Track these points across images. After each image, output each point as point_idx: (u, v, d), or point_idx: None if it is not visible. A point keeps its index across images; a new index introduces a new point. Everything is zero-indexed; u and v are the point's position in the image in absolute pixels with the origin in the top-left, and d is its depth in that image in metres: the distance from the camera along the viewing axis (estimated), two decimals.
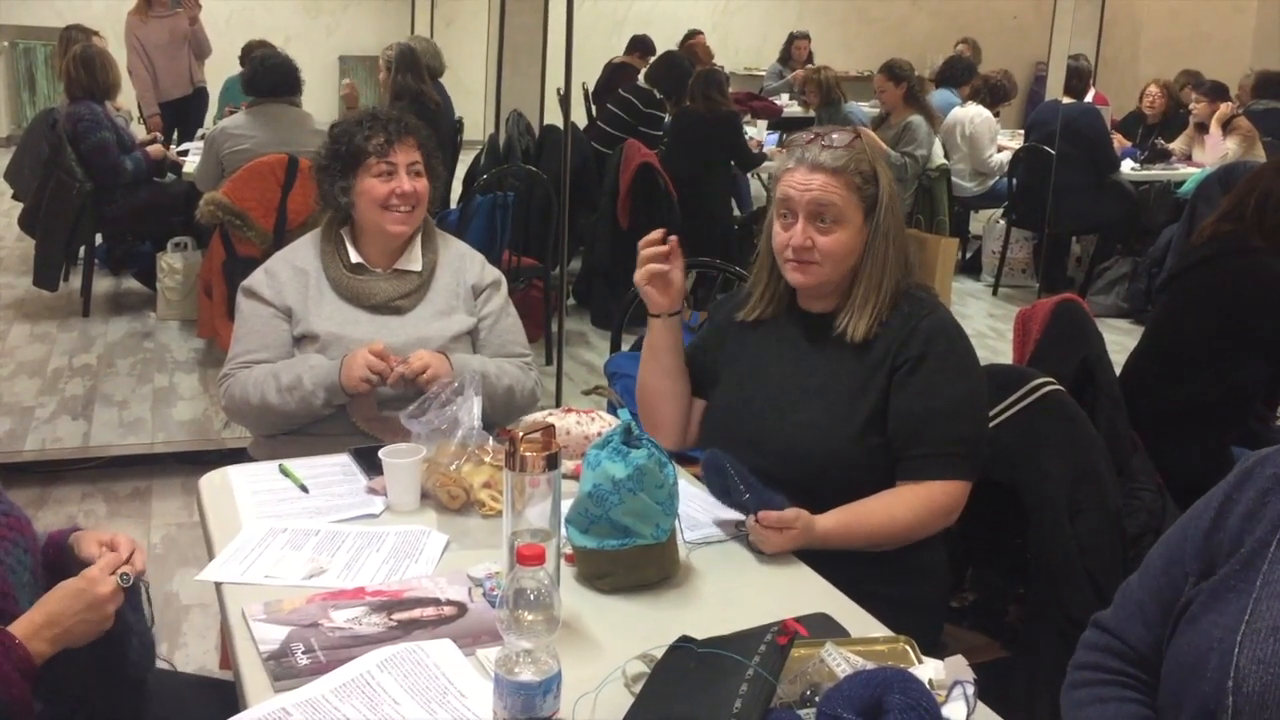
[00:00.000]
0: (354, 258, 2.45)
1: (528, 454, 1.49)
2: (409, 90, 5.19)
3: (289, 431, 2.38)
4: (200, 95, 6.17)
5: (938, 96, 6.84)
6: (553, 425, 1.61)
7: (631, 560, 1.65)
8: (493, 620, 1.48)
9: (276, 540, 1.81)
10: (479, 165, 5.34)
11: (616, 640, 1.52)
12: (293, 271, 2.44)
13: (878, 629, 1.59)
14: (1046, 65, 6.67)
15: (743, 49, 9.53)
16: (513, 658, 1.26)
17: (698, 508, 1.94)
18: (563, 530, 1.62)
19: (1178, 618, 1.32)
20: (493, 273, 2.58)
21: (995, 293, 6.76)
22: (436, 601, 1.60)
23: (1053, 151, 5.89)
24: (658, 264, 2.02)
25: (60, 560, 1.61)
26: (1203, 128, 6.73)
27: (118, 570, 1.49)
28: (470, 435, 1.96)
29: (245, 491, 2.01)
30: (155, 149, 5.34)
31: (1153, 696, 1.36)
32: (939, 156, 6.38)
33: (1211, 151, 6.52)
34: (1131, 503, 2.32)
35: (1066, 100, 6.23)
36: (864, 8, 10.11)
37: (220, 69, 6.11)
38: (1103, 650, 1.41)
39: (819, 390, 1.98)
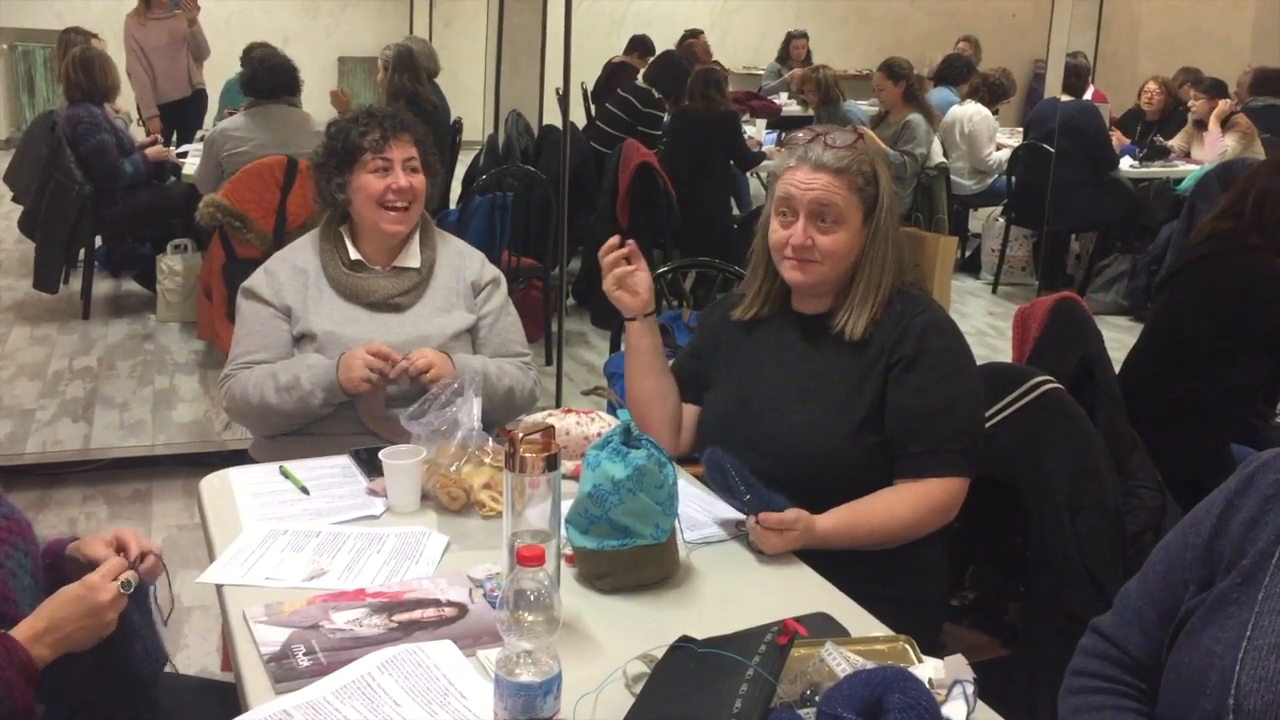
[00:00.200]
0: (353, 254, 2.44)
1: (527, 455, 1.49)
2: (405, 91, 5.19)
3: (290, 432, 2.38)
4: (199, 97, 6.17)
5: (936, 95, 6.84)
6: (552, 426, 1.61)
7: (631, 560, 1.65)
8: (493, 621, 1.48)
9: (277, 542, 1.81)
10: (478, 165, 5.35)
11: (617, 640, 1.52)
12: (292, 271, 2.44)
13: (878, 628, 1.59)
14: (1045, 63, 6.67)
15: (741, 48, 9.53)
16: (513, 658, 1.26)
17: (697, 508, 1.94)
18: (563, 531, 1.62)
19: (1177, 629, 1.30)
20: (492, 270, 2.57)
21: (995, 291, 6.77)
22: (437, 603, 1.60)
23: (1051, 149, 5.89)
24: (621, 267, 2.05)
25: (58, 569, 1.61)
26: (1201, 125, 6.73)
27: (119, 577, 1.49)
28: (470, 436, 1.96)
29: (246, 493, 2.01)
30: (155, 150, 5.34)
31: (1150, 705, 1.34)
32: (938, 155, 6.38)
33: (1210, 148, 6.52)
34: (1131, 500, 2.32)
35: (1065, 98, 6.23)
36: (862, 6, 10.12)
37: (220, 70, 6.11)
38: (1100, 657, 1.40)
39: (815, 391, 1.98)
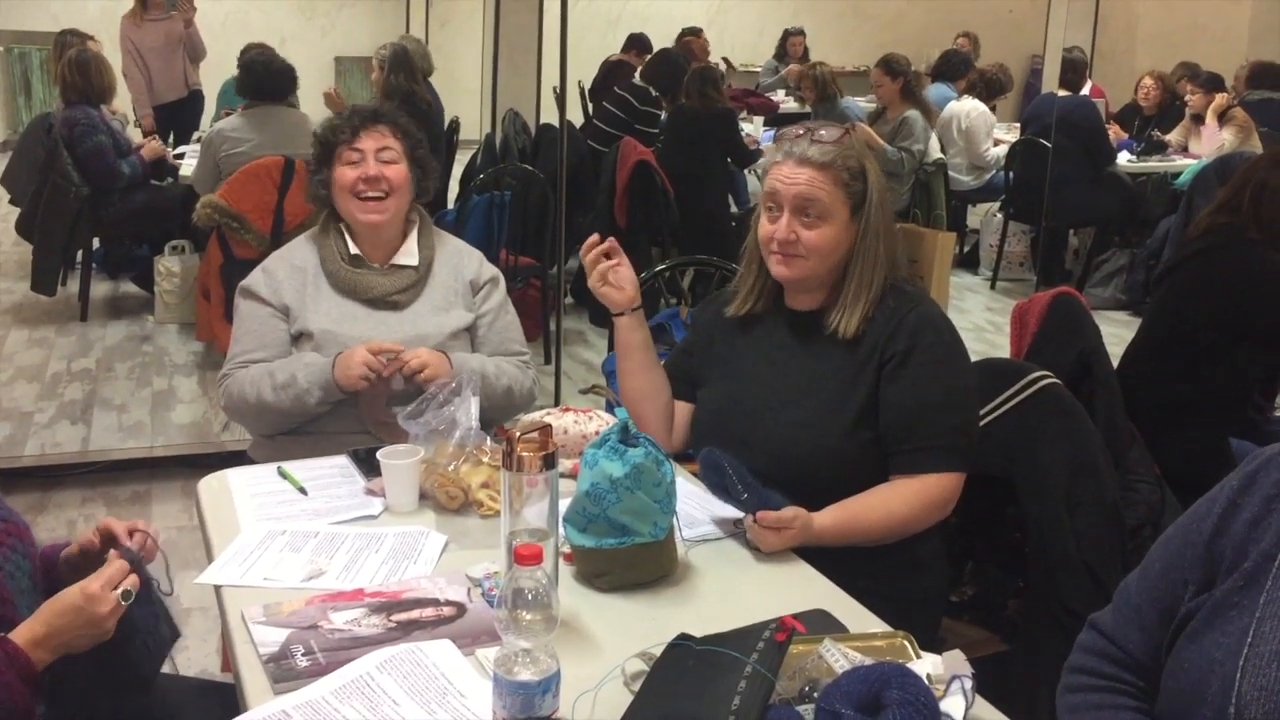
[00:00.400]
0: (353, 249, 2.44)
1: (525, 454, 1.49)
2: (400, 90, 5.19)
3: (289, 431, 2.38)
4: (195, 98, 6.17)
5: (934, 90, 6.85)
6: (550, 425, 1.62)
7: (629, 559, 1.65)
8: (491, 620, 1.48)
9: (275, 542, 1.81)
10: (475, 165, 5.34)
11: (615, 639, 1.52)
12: (290, 269, 2.44)
13: (876, 624, 1.59)
14: (1042, 58, 6.66)
15: (738, 45, 9.54)
16: (512, 657, 1.26)
17: (695, 505, 1.94)
18: (561, 529, 1.62)
19: (1177, 631, 1.29)
20: (491, 269, 2.57)
21: (993, 286, 6.77)
22: (435, 602, 1.60)
23: (1049, 145, 5.89)
24: (603, 263, 2.06)
25: (51, 576, 1.61)
26: (1199, 119, 6.72)
27: (120, 587, 1.49)
28: (468, 435, 1.96)
29: (244, 494, 2.01)
30: (151, 148, 5.32)
31: (1148, 703, 1.34)
32: (935, 151, 6.38)
33: (1208, 143, 6.51)
34: (1130, 495, 2.32)
35: (1062, 93, 6.23)
36: (859, 3, 10.13)
37: (216, 71, 6.12)
38: (1099, 655, 1.39)
39: (809, 388, 1.98)
